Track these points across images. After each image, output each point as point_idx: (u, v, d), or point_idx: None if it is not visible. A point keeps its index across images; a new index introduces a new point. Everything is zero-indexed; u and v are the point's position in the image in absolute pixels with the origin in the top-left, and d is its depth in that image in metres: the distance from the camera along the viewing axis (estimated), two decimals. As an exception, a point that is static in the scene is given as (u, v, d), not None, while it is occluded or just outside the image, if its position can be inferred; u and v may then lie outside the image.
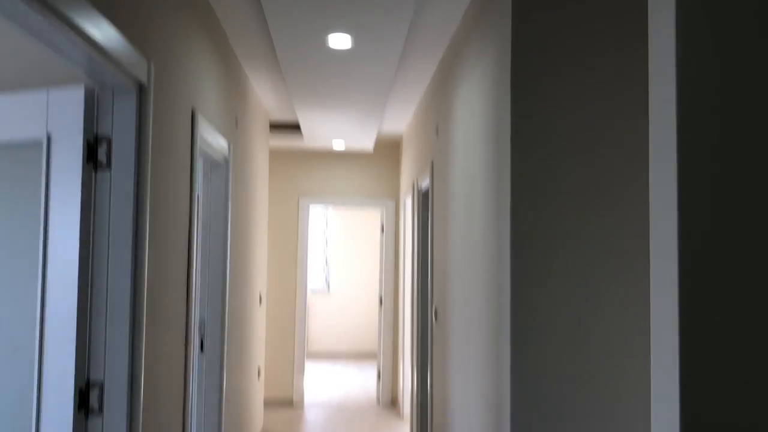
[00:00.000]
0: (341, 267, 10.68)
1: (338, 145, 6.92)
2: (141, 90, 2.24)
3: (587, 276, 2.46)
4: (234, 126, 4.21)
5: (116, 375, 2.14)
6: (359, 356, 10.37)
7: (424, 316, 5.22)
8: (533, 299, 2.45)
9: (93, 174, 2.17)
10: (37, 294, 2.10)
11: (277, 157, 7.23)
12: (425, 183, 5.04)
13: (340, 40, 3.60)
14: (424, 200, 5.33)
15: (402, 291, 6.84)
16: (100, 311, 2.15)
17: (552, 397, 2.42)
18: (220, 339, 3.81)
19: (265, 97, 5.46)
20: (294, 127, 6.48)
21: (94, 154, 2.18)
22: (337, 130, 6.07)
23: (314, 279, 10.57)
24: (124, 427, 2.13)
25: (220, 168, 3.90)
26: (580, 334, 2.45)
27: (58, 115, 2.15)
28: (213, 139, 3.46)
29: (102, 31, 1.87)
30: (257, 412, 5.59)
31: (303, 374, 7.21)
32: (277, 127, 6.48)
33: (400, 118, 6.21)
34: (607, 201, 2.49)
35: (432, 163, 4.69)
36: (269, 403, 6.99)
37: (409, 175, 6.26)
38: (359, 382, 8.47)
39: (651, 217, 1.31)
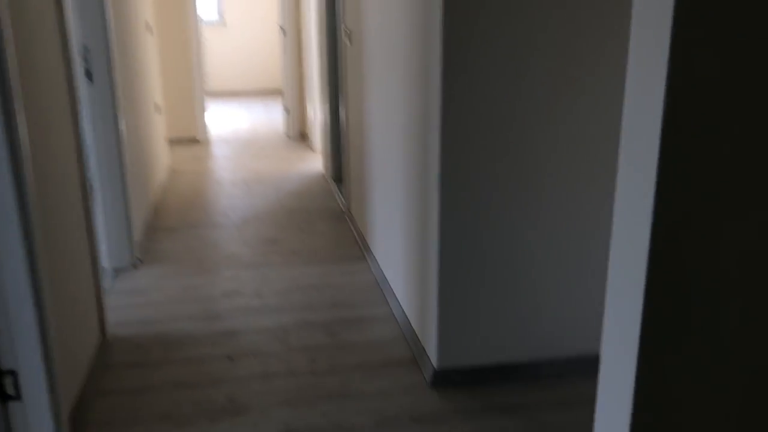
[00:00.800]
0: (235, -3, 9.79)
1: None
2: None
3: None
4: None
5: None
6: (263, 93, 10.00)
7: (333, 42, 4.86)
8: (470, 14, 2.16)
9: None
10: None
11: None
12: None
13: None
14: None
15: (306, 18, 6.33)
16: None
17: (484, 112, 2.27)
18: (107, 66, 3.37)
19: None
20: None
21: None
22: None
23: (206, 10, 9.69)
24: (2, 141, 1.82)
25: None
26: (512, 61, 2.23)
27: None
28: None
29: None
30: (161, 150, 5.33)
31: (204, 111, 6.86)
32: None
33: None
34: None
35: None
36: (174, 143, 6.71)
37: None
38: (266, 118, 8.24)
39: None
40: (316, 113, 6.10)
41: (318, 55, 5.48)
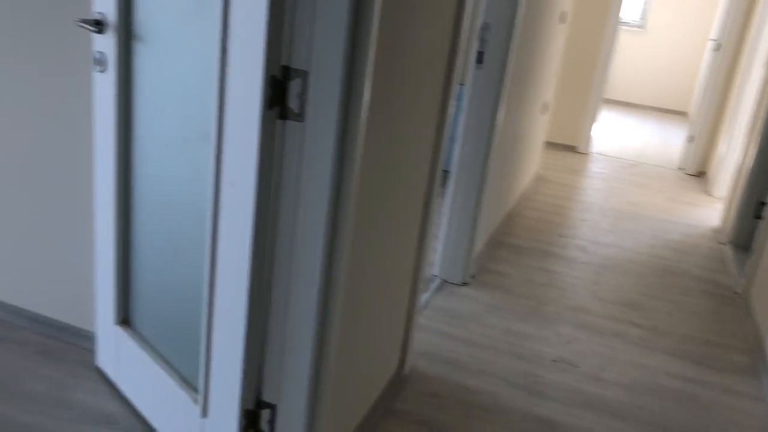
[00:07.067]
0: None
1: None
2: None
3: None
4: None
5: (325, 63, 1.30)
6: (663, 113, 8.81)
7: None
8: None
9: None
10: None
11: None
12: None
13: None
14: None
15: (752, 33, 5.07)
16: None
17: None
18: (503, 51, 2.82)
19: None
20: None
21: None
22: None
23: (628, 11, 8.78)
24: (332, 140, 1.34)
25: None
26: None
27: None
28: None
29: None
30: (534, 152, 4.74)
31: (594, 121, 6.08)
32: None
33: None
34: None
35: None
36: (549, 147, 6.11)
37: None
38: (659, 141, 7.13)
39: None
40: (731, 151, 4.88)
41: (762, 83, 4.27)
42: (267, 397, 1.57)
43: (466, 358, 2.50)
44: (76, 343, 2.22)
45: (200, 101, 1.53)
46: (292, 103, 1.35)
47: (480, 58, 2.85)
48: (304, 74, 1.33)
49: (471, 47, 2.91)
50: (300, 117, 1.35)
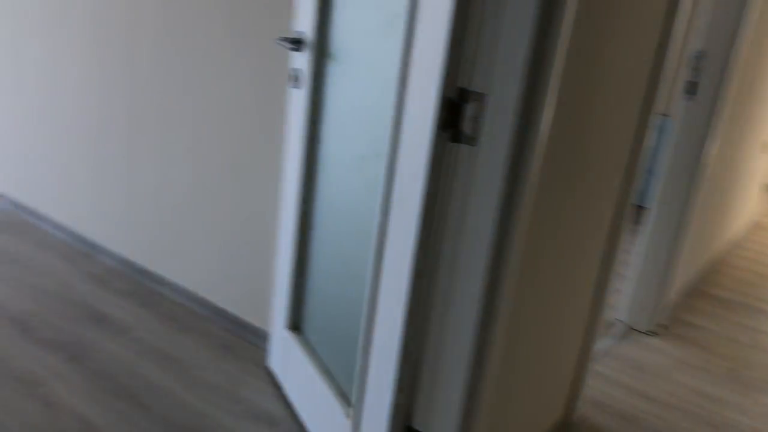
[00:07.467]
0: None
1: None
2: None
3: None
4: None
5: (504, 88, 1.24)
6: None
7: None
8: None
9: None
10: None
11: None
12: None
13: None
14: None
15: None
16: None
17: None
18: (719, 82, 2.55)
19: None
20: None
21: None
22: None
23: None
24: (504, 167, 1.28)
25: None
26: None
27: None
28: None
29: None
30: (751, 195, 4.24)
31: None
32: None
33: None
34: None
35: None
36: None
37: None
38: None
39: None
40: None
41: None
42: (417, 424, 1.53)
43: (646, 415, 2.27)
44: (252, 341, 2.36)
45: (381, 120, 1.54)
46: (466, 127, 1.31)
47: (691, 89, 2.61)
48: (480, 97, 1.28)
49: (679, 76, 2.67)
50: (473, 141, 1.31)
